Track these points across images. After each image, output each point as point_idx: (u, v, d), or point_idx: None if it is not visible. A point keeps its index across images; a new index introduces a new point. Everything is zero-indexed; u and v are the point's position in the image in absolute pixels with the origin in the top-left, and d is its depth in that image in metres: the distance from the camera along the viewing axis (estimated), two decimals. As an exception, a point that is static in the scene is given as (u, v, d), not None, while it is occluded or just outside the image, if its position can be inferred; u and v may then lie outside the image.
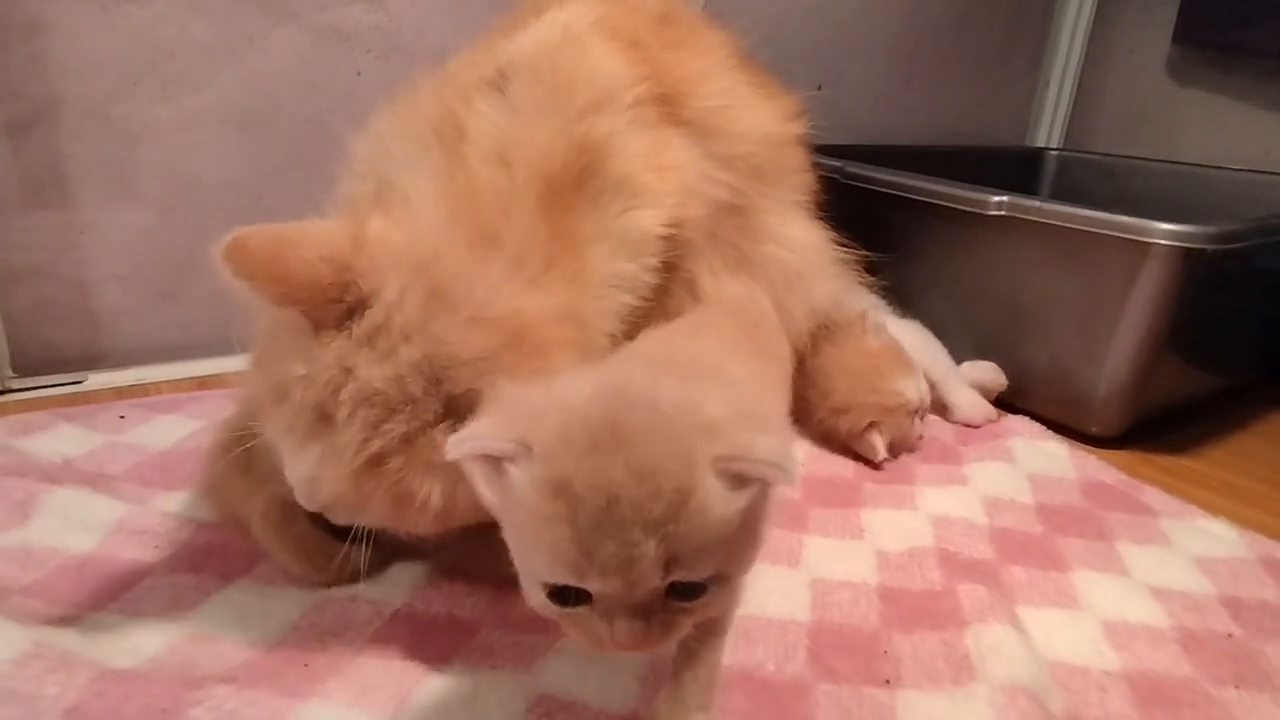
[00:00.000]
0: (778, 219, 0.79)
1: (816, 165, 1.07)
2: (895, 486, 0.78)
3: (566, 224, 0.56)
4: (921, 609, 0.60)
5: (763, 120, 0.76)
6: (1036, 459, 0.85)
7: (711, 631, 0.44)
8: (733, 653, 0.54)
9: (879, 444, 0.81)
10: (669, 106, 0.66)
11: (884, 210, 1.05)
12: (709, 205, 0.71)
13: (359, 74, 1.00)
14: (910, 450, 0.86)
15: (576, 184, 0.56)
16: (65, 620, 0.53)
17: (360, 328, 0.47)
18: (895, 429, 0.82)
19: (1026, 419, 0.93)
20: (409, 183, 0.54)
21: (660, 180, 0.61)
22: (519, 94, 0.58)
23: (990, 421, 0.92)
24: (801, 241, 0.80)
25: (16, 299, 0.88)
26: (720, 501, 0.35)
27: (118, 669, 0.48)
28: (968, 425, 0.91)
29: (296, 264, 0.46)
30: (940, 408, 0.93)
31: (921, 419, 0.84)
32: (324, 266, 0.47)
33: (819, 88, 1.39)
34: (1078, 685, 0.54)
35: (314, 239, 0.47)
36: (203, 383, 0.92)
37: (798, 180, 0.82)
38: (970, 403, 0.92)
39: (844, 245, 0.90)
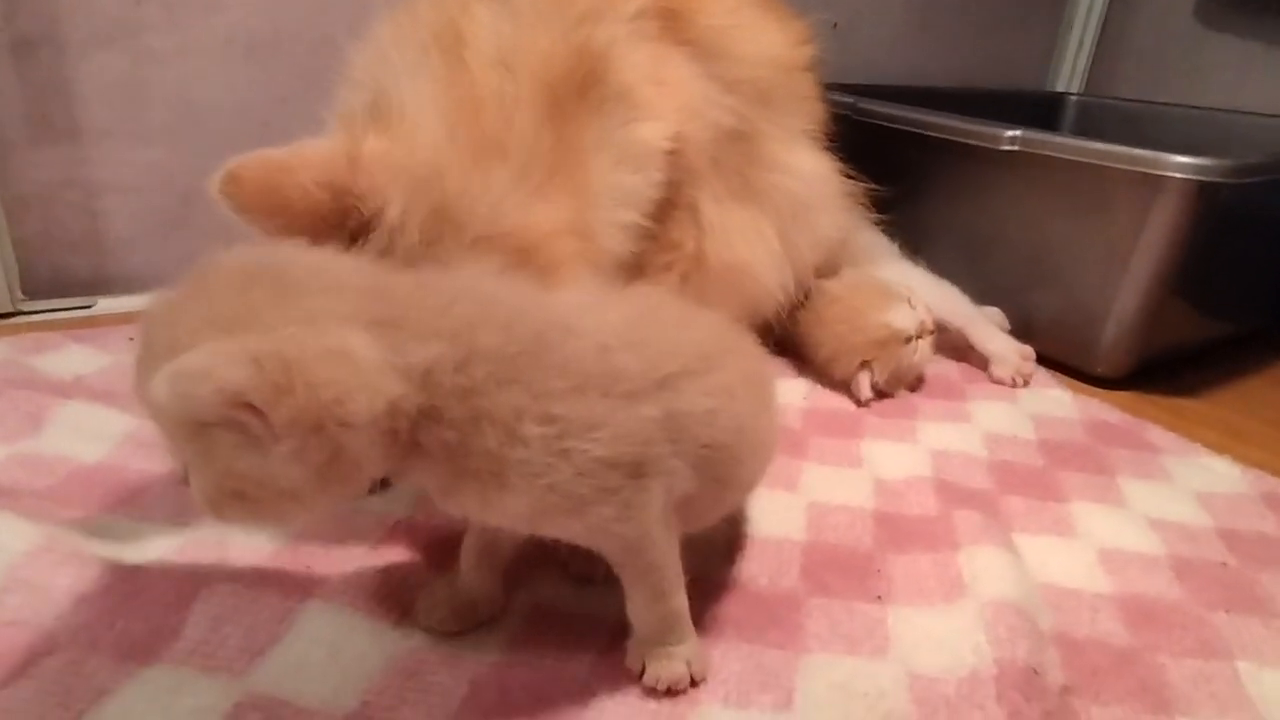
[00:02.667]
0: (785, 147, 0.78)
1: (829, 100, 1.06)
2: (897, 420, 0.79)
3: (569, 132, 0.55)
4: (915, 532, 0.61)
5: (771, 44, 0.75)
6: (1041, 401, 0.84)
7: (633, 581, 0.45)
8: (727, 567, 0.55)
9: (864, 384, 0.81)
10: (672, 22, 0.65)
11: (896, 147, 1.03)
12: (711, 129, 0.70)
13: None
14: (913, 385, 0.86)
15: (579, 91, 0.55)
16: (76, 522, 0.54)
17: (365, 253, 0.47)
18: (889, 362, 0.81)
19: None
20: (407, 92, 0.53)
21: (661, 95, 0.61)
22: (518, 1, 0.57)
23: (1028, 362, 0.88)
24: (809, 171, 0.79)
25: (26, 224, 0.89)
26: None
27: (126, 564, 0.50)
28: (1010, 384, 0.87)
29: (293, 191, 0.45)
30: (967, 349, 0.91)
31: (923, 345, 0.83)
32: (322, 192, 0.46)
33: (834, 25, 1.36)
34: (1069, 605, 0.55)
35: (310, 163, 0.46)
36: (211, 310, 0.92)
37: (807, 108, 0.81)
38: (1006, 351, 0.89)
39: (852, 178, 0.89)
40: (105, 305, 0.90)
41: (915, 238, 1.00)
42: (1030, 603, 0.53)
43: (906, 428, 0.77)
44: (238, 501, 0.34)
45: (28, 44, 0.84)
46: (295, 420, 0.32)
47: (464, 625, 0.48)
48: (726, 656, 0.48)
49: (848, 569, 0.56)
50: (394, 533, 0.57)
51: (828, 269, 0.87)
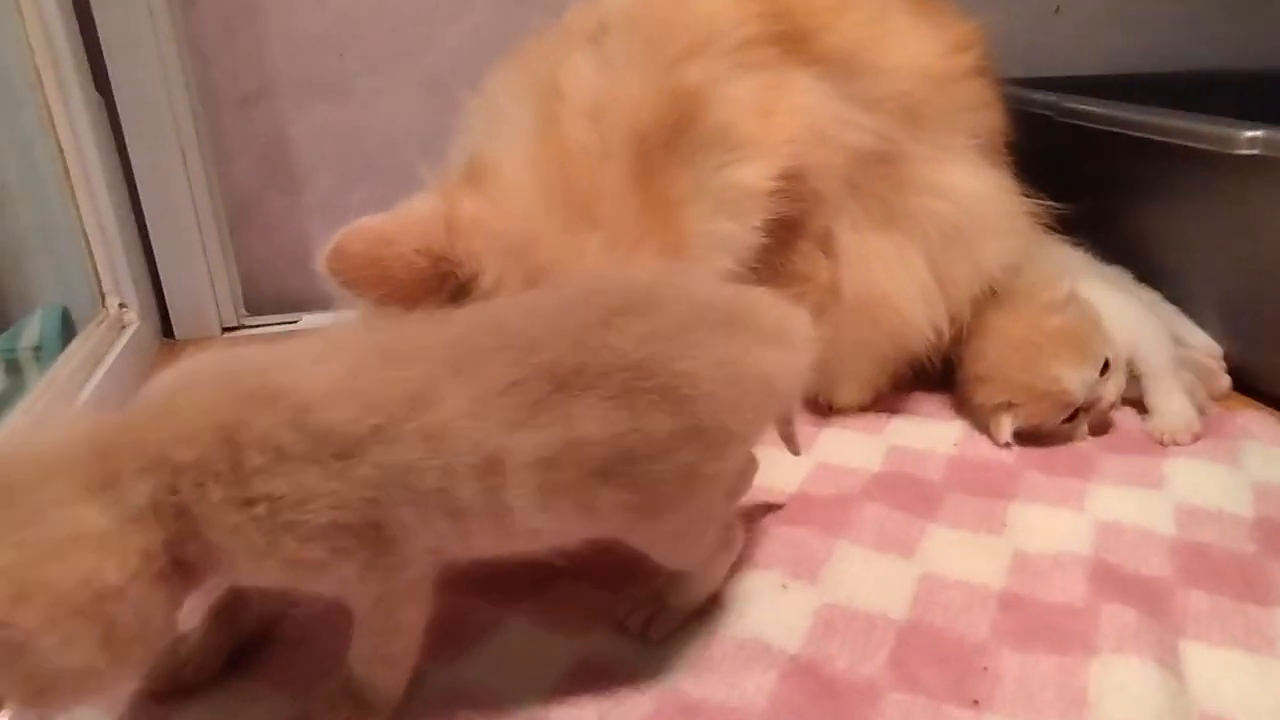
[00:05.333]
0: (938, 167, 0.70)
1: (1023, 102, 0.94)
2: (1064, 480, 0.67)
3: (658, 188, 0.53)
4: (1046, 625, 0.52)
5: (921, 53, 0.67)
6: (1273, 468, 0.68)
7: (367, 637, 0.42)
8: (804, 641, 0.50)
9: (1006, 426, 0.71)
10: (793, 44, 0.61)
11: (1108, 153, 0.88)
12: (847, 153, 0.65)
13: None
14: (1099, 427, 0.73)
15: (668, 142, 0.54)
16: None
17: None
18: (1037, 418, 0.70)
19: (1270, 416, 0.75)
20: (504, 149, 0.54)
21: (768, 129, 0.57)
22: (614, 46, 0.56)
23: (1194, 437, 0.71)
24: (966, 192, 0.70)
25: (252, 250, 1.04)
26: None
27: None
28: (1160, 442, 0.72)
29: (394, 262, 0.48)
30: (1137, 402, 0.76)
31: (1088, 417, 0.72)
32: (422, 260, 0.48)
33: (1056, 10, 1.20)
34: (1237, 748, 0.44)
35: (410, 231, 0.48)
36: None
37: (970, 121, 0.72)
38: (1173, 412, 0.73)
39: (1034, 196, 0.77)
40: (308, 320, 1.03)
41: (1135, 260, 0.85)
42: (1172, 739, 0.43)
43: (1073, 490, 0.66)
44: (49, 694, 0.36)
45: (251, 98, 0.98)
46: (50, 618, 0.34)
47: (168, 686, 0.47)
48: (772, 747, 0.44)
49: (947, 662, 0.49)
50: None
51: (992, 299, 0.77)
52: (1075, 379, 0.69)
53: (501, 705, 0.46)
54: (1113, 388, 0.71)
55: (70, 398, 0.74)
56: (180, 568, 0.38)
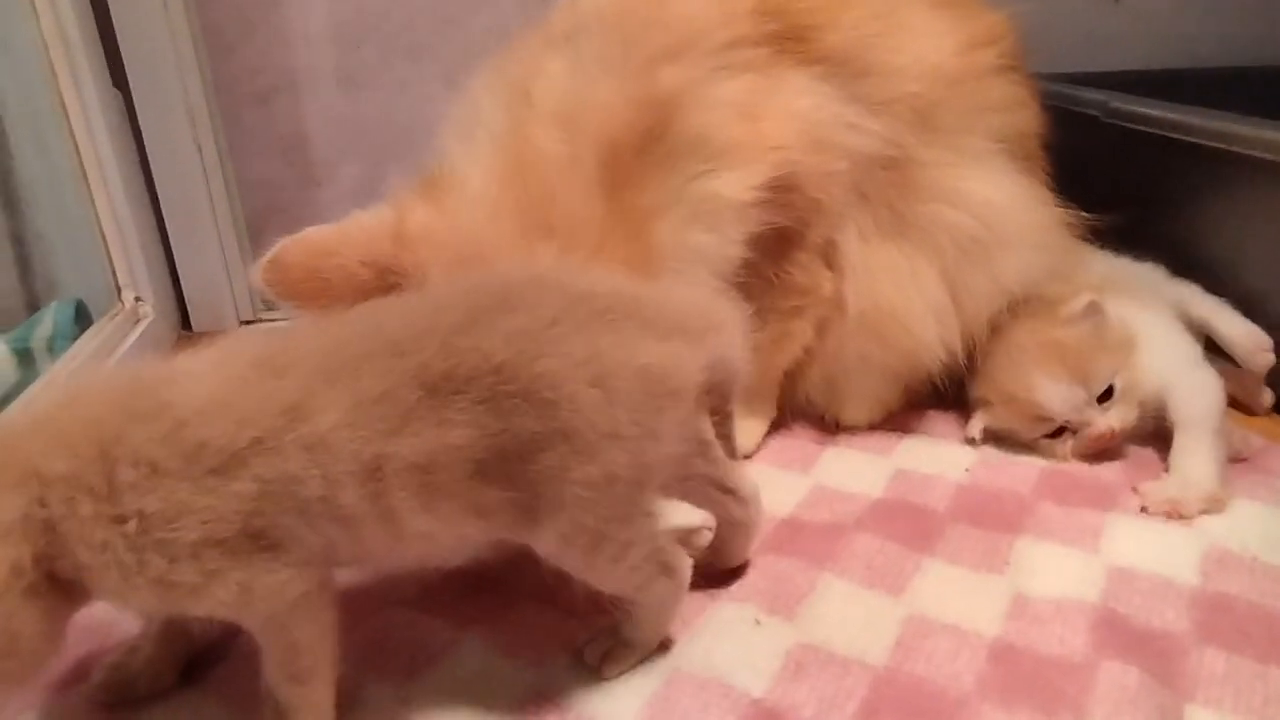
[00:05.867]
0: (954, 173, 0.65)
1: (1068, 101, 0.88)
2: (1082, 513, 0.62)
3: (628, 197, 0.50)
4: (1037, 682, 0.47)
5: (934, 51, 0.62)
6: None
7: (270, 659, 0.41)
8: (770, 684, 0.47)
9: (975, 423, 0.70)
10: (789, 44, 0.57)
11: (1161, 159, 0.82)
12: (851, 158, 0.61)
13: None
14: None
15: (639, 149, 0.51)
16: None
17: None
18: (1009, 423, 0.69)
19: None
20: (466, 155, 0.52)
21: (754, 135, 0.53)
22: (588, 49, 0.53)
23: (1203, 510, 0.61)
24: (985, 201, 0.65)
25: (270, 243, 1.04)
26: None
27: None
28: (1163, 512, 0.61)
29: (335, 273, 0.47)
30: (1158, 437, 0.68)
31: (1074, 439, 0.67)
32: (365, 271, 0.48)
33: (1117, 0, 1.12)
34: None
35: (354, 242, 0.48)
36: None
37: (992, 123, 0.67)
38: (1188, 477, 0.62)
39: (1078, 206, 0.72)
40: (323, 316, 1.03)
41: (1193, 277, 0.78)
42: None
43: (1089, 527, 0.61)
44: None
45: (269, 92, 0.99)
46: None
47: (118, 697, 0.47)
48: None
49: (922, 716, 0.46)
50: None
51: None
52: (1051, 392, 0.65)
53: (445, 736, 0.45)
54: (1114, 417, 0.65)
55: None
56: (57, 584, 0.37)
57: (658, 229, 0.51)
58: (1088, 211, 0.71)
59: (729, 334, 0.46)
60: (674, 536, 0.48)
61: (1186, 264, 0.78)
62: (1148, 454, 0.69)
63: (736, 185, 0.52)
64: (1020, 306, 0.69)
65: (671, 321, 0.43)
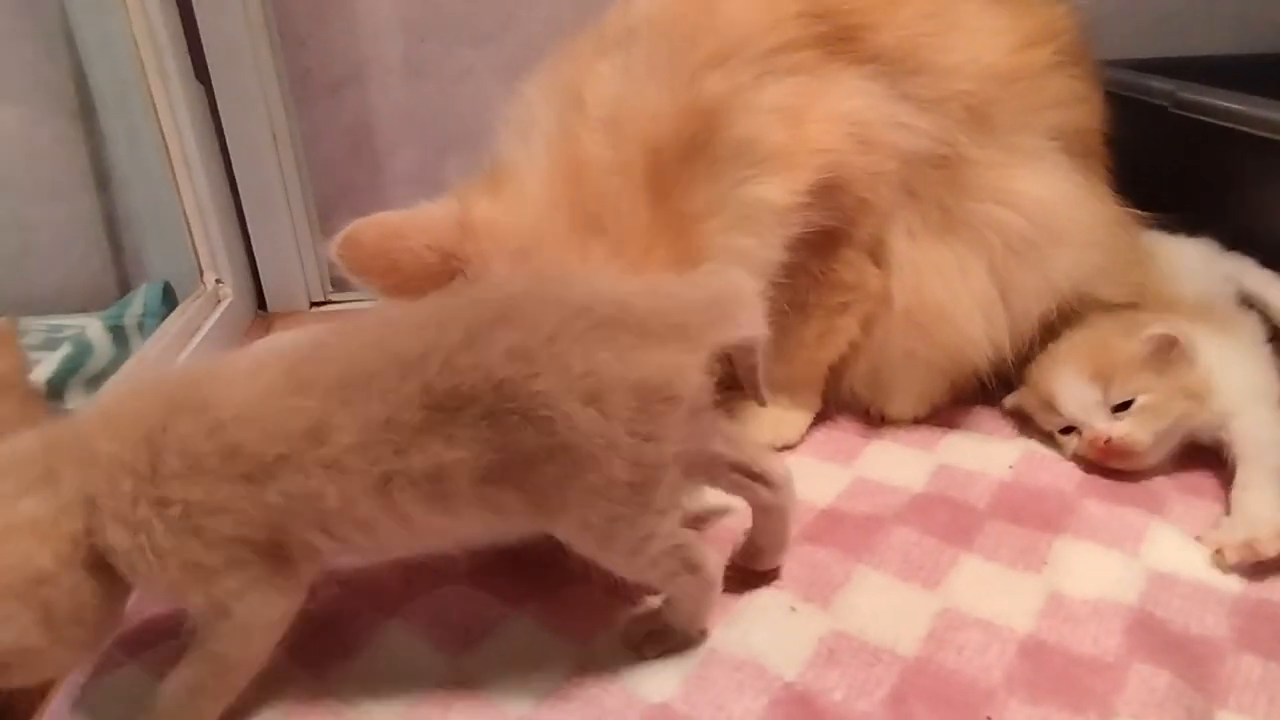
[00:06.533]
0: (1005, 172, 0.65)
1: (1134, 90, 0.85)
2: (1127, 514, 0.62)
3: (674, 201, 0.52)
4: (1066, 679, 0.48)
5: (987, 49, 0.62)
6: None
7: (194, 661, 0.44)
8: (803, 668, 0.49)
9: (1012, 398, 0.72)
10: (838, 45, 0.57)
11: (1234, 153, 0.79)
12: (900, 157, 0.61)
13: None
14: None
15: (684, 156, 0.52)
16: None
17: None
18: (1027, 408, 0.71)
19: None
20: (525, 154, 0.55)
21: (799, 139, 0.54)
22: (638, 54, 0.55)
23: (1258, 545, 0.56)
24: (1036, 200, 0.65)
25: (336, 228, 1.09)
26: None
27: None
28: (1218, 553, 0.57)
29: (403, 255, 0.50)
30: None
31: (1081, 440, 0.66)
32: (431, 255, 0.50)
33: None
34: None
35: (422, 228, 0.51)
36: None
37: (1049, 121, 0.66)
38: (1255, 514, 0.58)
39: (1131, 200, 0.71)
40: (388, 298, 1.08)
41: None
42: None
43: (1133, 529, 0.61)
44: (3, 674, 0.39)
45: (339, 83, 1.03)
46: None
47: None
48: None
49: (949, 706, 0.47)
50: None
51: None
52: (1066, 386, 0.65)
53: (494, 703, 0.48)
54: (1119, 428, 0.63)
55: (168, 365, 0.81)
56: (110, 569, 0.41)
57: (703, 233, 0.53)
58: (1155, 204, 0.70)
59: (740, 315, 0.46)
60: (697, 527, 0.49)
61: (1262, 263, 0.75)
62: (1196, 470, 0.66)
63: (779, 191, 0.54)
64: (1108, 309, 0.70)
65: (672, 324, 0.43)
